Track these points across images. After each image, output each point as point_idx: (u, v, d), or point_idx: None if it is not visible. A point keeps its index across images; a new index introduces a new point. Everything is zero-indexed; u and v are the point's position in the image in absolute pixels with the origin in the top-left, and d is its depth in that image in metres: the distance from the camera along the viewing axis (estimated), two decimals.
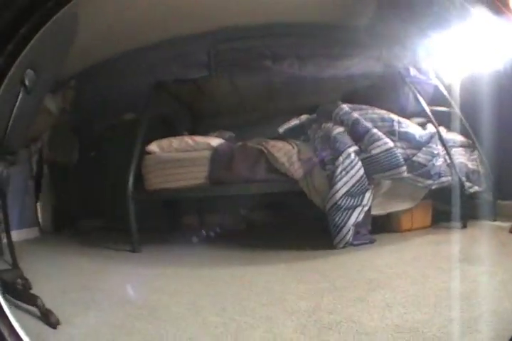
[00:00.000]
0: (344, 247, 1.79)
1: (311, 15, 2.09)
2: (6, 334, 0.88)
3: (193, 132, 2.05)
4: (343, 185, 1.79)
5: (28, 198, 2.15)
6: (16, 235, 1.77)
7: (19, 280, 1.45)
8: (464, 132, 2.11)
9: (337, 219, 1.78)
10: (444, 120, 2.10)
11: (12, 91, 1.19)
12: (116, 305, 1.45)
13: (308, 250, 1.79)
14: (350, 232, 1.79)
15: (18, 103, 1.26)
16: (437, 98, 2.13)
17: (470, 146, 2.14)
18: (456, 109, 2.06)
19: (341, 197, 1.78)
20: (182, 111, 2.11)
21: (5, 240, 1.67)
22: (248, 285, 1.55)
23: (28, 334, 0.93)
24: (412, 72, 2.14)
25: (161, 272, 1.73)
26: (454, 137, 2.11)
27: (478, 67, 1.82)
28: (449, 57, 1.98)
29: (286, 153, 1.85)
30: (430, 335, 1.09)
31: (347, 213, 1.79)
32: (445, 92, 2.13)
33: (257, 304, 1.38)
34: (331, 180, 1.79)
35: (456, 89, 2.04)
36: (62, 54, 1.65)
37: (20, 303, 1.27)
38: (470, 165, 2.11)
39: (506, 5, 0.90)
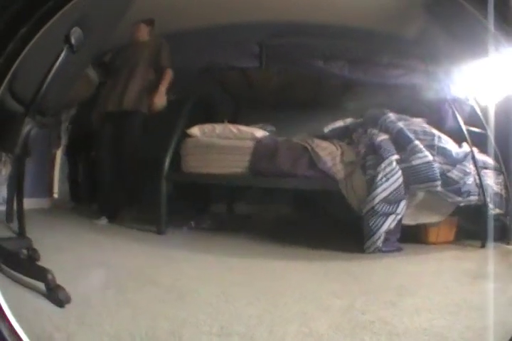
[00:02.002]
0: (373, 252, 1.81)
1: (366, 21, 2.11)
2: (6, 334, 0.87)
3: (233, 122, 2.03)
4: (382, 191, 1.81)
5: (49, 167, 2.09)
6: (28, 202, 1.71)
7: (25, 251, 1.39)
8: (493, 155, 2.16)
9: (371, 223, 1.80)
10: (476, 141, 2.14)
11: (54, 47, 1.15)
12: (140, 286, 1.41)
13: (339, 251, 1.80)
14: (381, 238, 1.81)
15: (59, 60, 1.21)
16: (473, 119, 2.18)
17: (497, 169, 2.19)
18: (489, 132, 2.11)
19: (379, 203, 1.80)
20: (225, 99, 2.09)
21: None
22: (280, 279, 1.56)
23: (26, 313, 0.90)
24: (453, 90, 2.19)
25: (188, 257, 1.71)
26: (484, 158, 2.16)
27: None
28: (487, 80, 2.03)
29: (330, 153, 1.86)
30: (452, 340, 1.18)
31: (381, 219, 1.81)
32: (480, 114, 2.18)
33: (291, 299, 1.39)
34: (371, 185, 1.81)
35: (491, 112, 2.09)
36: (114, 19, 1.60)
37: (22, 276, 1.20)
38: (495, 187, 2.16)
39: None
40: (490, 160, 2.18)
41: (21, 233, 1.51)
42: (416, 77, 2.12)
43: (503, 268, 1.67)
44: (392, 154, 1.86)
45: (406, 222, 1.88)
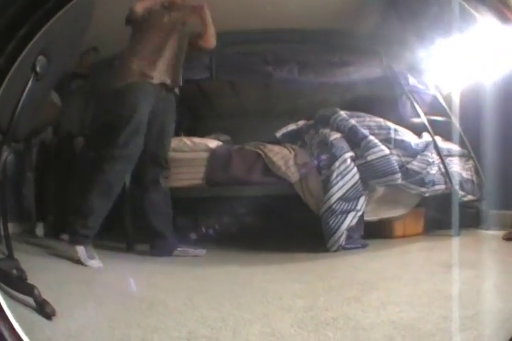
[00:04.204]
0: (337, 251, 1.82)
1: (313, 20, 2.12)
2: (6, 334, 0.89)
3: (189, 133, 2.06)
4: (338, 190, 1.82)
5: (26, 191, 2.14)
6: (12, 227, 1.77)
7: (14, 271, 1.46)
8: (460, 141, 2.14)
9: (331, 222, 1.81)
10: (441, 129, 2.13)
11: (22, 76, 1.20)
12: (114, 299, 1.46)
13: (301, 252, 1.81)
14: (343, 236, 1.82)
15: (27, 89, 1.27)
16: (436, 107, 2.16)
17: (465, 156, 2.17)
18: (454, 119, 2.09)
19: (336, 202, 1.81)
20: (180, 112, 2.12)
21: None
22: (243, 284, 1.58)
23: (21, 324, 0.94)
24: (411, 80, 2.17)
25: (156, 269, 1.76)
26: (450, 146, 2.14)
27: (479, 76, 1.86)
28: (450, 66, 2.02)
29: (283, 157, 1.88)
30: (426, 331, 1.15)
31: (341, 217, 1.82)
32: (443, 102, 2.17)
33: (253, 301, 1.42)
34: (327, 185, 1.82)
35: (456, 99, 2.06)
36: (74, 43, 1.66)
37: (15, 293, 1.26)
38: (464, 174, 2.14)
39: None
40: (456, 147, 2.16)
41: (10, 254, 1.56)
42: (371, 72, 2.12)
43: (481, 254, 1.66)
44: (346, 152, 1.87)
45: (368, 218, 1.88)
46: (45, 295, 1.31)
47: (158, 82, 1.86)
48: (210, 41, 1.91)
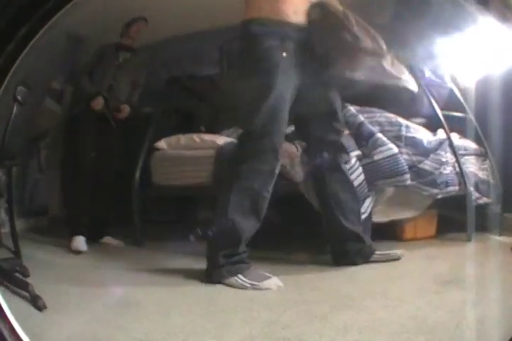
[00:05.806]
0: None
1: None
2: (6, 334, 0.92)
3: (210, 127, 2.05)
4: None
5: (37, 189, 2.17)
6: (22, 223, 1.83)
7: (18, 268, 1.57)
8: (476, 139, 2.05)
9: None
10: (458, 126, 2.04)
11: (5, 105, 1.39)
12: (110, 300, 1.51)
13: (299, 252, 1.78)
14: None
15: (13, 116, 1.48)
16: (452, 102, 2.07)
17: (482, 155, 2.08)
18: (471, 115, 2.00)
19: None
20: (200, 106, 2.10)
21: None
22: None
23: (17, 316, 0.97)
24: (427, 73, 2.08)
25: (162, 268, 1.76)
26: (466, 144, 2.06)
27: (491, 70, 1.77)
28: (464, 60, 1.93)
29: (289, 155, 1.84)
30: None
31: None
32: (460, 97, 2.08)
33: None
34: None
35: (472, 94, 1.98)
36: (52, 69, 1.85)
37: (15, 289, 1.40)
38: (480, 174, 2.05)
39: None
40: (473, 145, 2.07)
41: (16, 252, 1.66)
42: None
43: (485, 269, 1.48)
44: (352, 150, 1.81)
45: (377, 219, 1.83)
46: (41, 291, 1.44)
47: None
48: None
